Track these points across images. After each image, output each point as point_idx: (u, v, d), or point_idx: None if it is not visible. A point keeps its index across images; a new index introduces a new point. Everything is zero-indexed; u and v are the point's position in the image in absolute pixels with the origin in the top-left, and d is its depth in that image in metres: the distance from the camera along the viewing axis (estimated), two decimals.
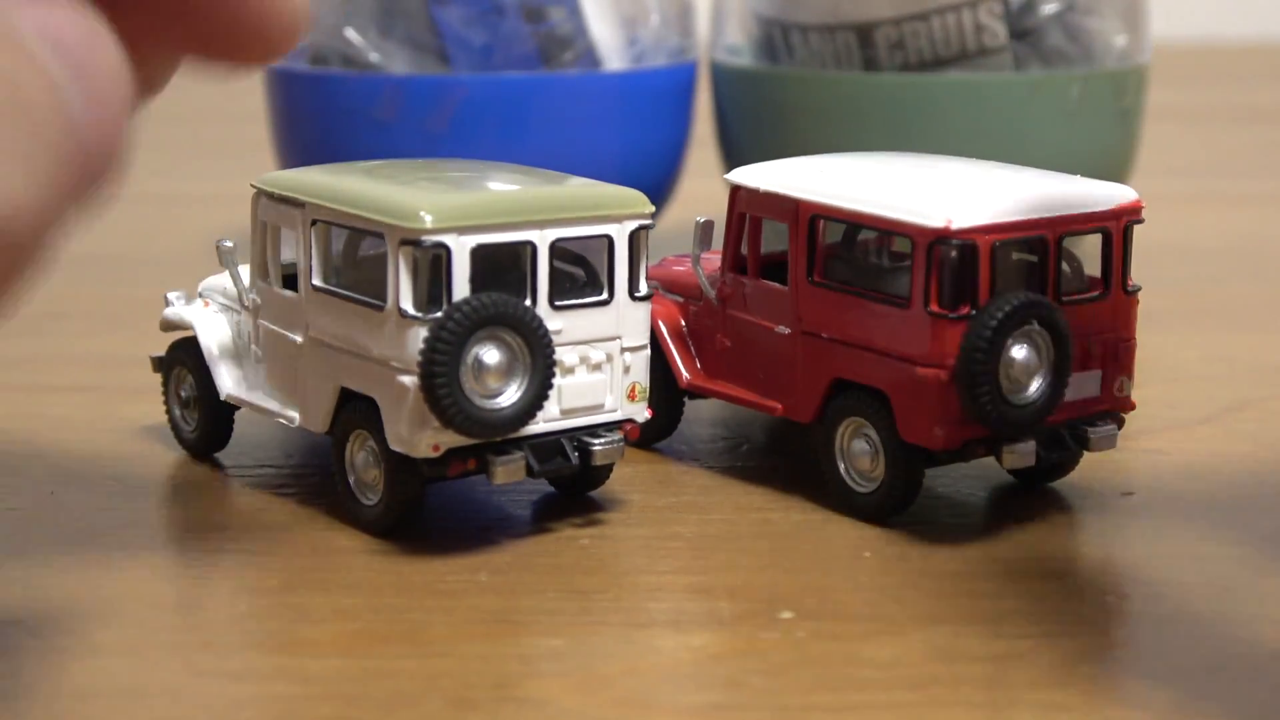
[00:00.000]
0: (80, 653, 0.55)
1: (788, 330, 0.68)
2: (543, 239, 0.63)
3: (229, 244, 0.68)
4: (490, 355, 0.61)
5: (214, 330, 0.71)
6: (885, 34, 1.00)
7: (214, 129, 1.69)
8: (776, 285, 0.69)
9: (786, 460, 0.73)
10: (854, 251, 0.71)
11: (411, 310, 0.61)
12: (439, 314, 0.60)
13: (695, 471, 0.72)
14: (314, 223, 0.64)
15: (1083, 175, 0.69)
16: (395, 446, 0.62)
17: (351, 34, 0.99)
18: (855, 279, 0.67)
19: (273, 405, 0.68)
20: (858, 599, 0.59)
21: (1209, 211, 1.30)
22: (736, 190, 0.71)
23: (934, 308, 0.62)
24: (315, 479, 0.71)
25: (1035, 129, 0.99)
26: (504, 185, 0.65)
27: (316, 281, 0.65)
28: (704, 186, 1.18)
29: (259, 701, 0.51)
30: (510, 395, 0.61)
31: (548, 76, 1.00)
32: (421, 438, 0.61)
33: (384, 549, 0.63)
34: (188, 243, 1.18)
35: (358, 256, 0.67)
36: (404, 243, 0.60)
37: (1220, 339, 0.93)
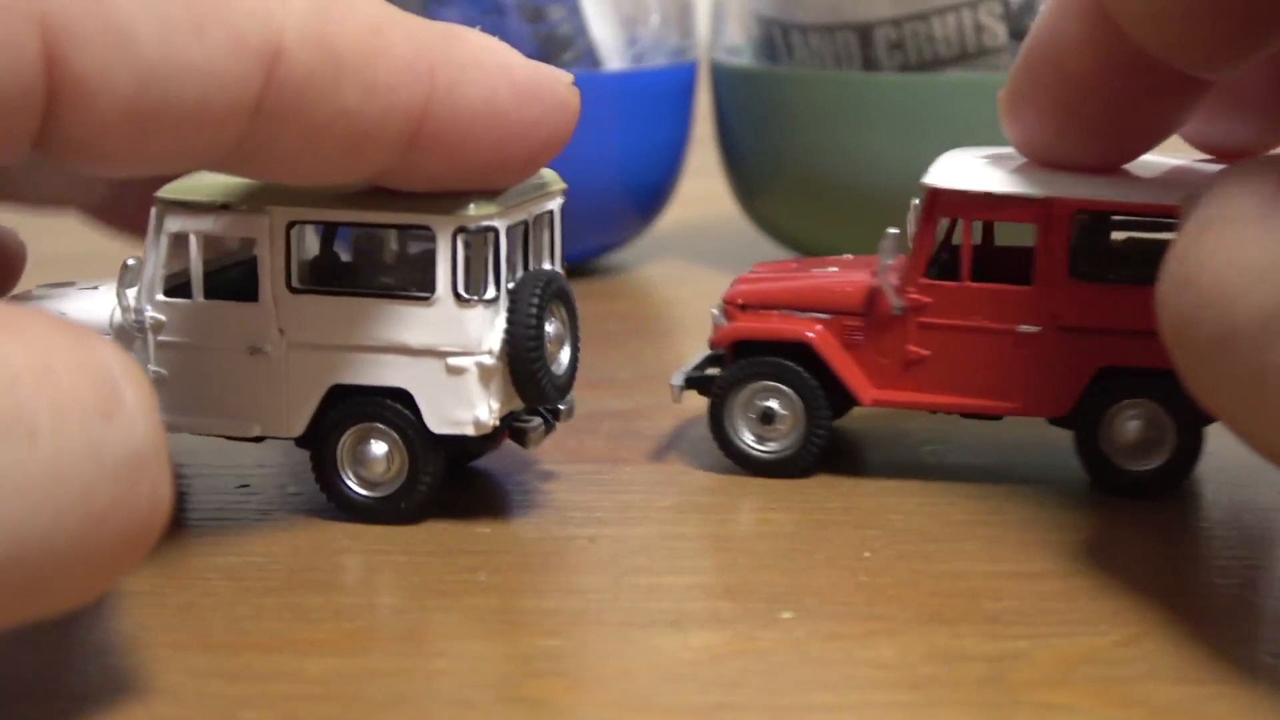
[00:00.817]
0: (80, 653, 0.55)
1: (1035, 328, 0.68)
2: (530, 215, 0.66)
3: (132, 262, 0.66)
4: (552, 326, 0.65)
5: None
6: (885, 34, 1.00)
7: None
8: (1007, 286, 0.69)
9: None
10: (1104, 242, 0.71)
11: (466, 295, 0.63)
12: (492, 296, 0.64)
13: (695, 471, 0.72)
14: (291, 225, 0.64)
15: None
16: (441, 429, 0.64)
17: None
18: (1116, 268, 0.68)
19: (203, 421, 0.67)
20: (858, 599, 0.59)
21: None
22: (938, 194, 0.69)
23: None
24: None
25: None
26: None
27: (296, 284, 0.65)
28: (704, 186, 1.18)
29: (259, 701, 0.51)
30: (563, 361, 0.67)
31: None
32: (481, 413, 0.64)
33: (384, 549, 0.63)
34: None
35: (330, 258, 0.68)
36: (461, 230, 0.63)
37: None
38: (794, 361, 0.71)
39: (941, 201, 0.69)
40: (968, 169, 0.69)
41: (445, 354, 0.64)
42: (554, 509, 0.68)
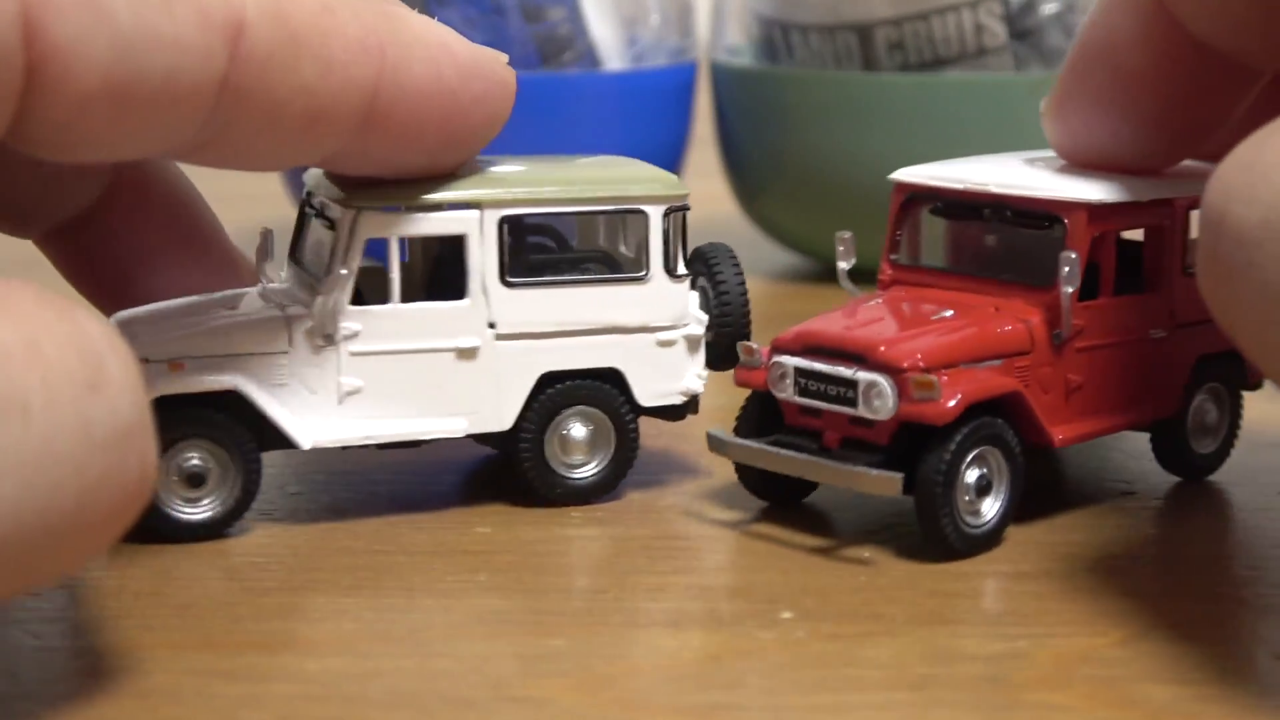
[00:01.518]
0: (80, 653, 0.55)
1: (1163, 332, 0.68)
2: None
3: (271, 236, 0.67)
4: None
5: (256, 380, 0.64)
6: (885, 34, 1.00)
7: None
8: (1139, 295, 0.67)
9: None
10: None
11: (677, 271, 0.68)
12: (686, 272, 0.69)
13: (695, 472, 0.72)
14: (504, 219, 0.66)
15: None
16: (651, 402, 0.69)
17: None
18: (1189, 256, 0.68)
19: (406, 428, 0.66)
20: (858, 599, 0.59)
21: None
22: (1093, 210, 0.64)
23: None
24: (318, 478, 0.71)
25: (1035, 129, 0.98)
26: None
27: (512, 278, 0.66)
28: (704, 186, 1.18)
29: (259, 701, 0.51)
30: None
31: (548, 76, 1.00)
32: (691, 382, 0.69)
33: (384, 549, 0.63)
34: None
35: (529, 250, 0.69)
36: (671, 210, 0.68)
37: None
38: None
39: (1095, 218, 0.65)
40: (1091, 181, 0.65)
41: (657, 329, 0.68)
42: (554, 509, 0.68)
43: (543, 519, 0.67)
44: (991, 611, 0.58)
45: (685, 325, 0.69)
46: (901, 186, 0.70)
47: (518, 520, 0.67)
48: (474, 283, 0.66)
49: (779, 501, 0.68)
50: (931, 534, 0.62)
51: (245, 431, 0.64)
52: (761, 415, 0.67)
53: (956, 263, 0.70)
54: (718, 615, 0.58)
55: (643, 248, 0.68)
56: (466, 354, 0.66)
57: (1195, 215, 0.66)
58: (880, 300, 0.68)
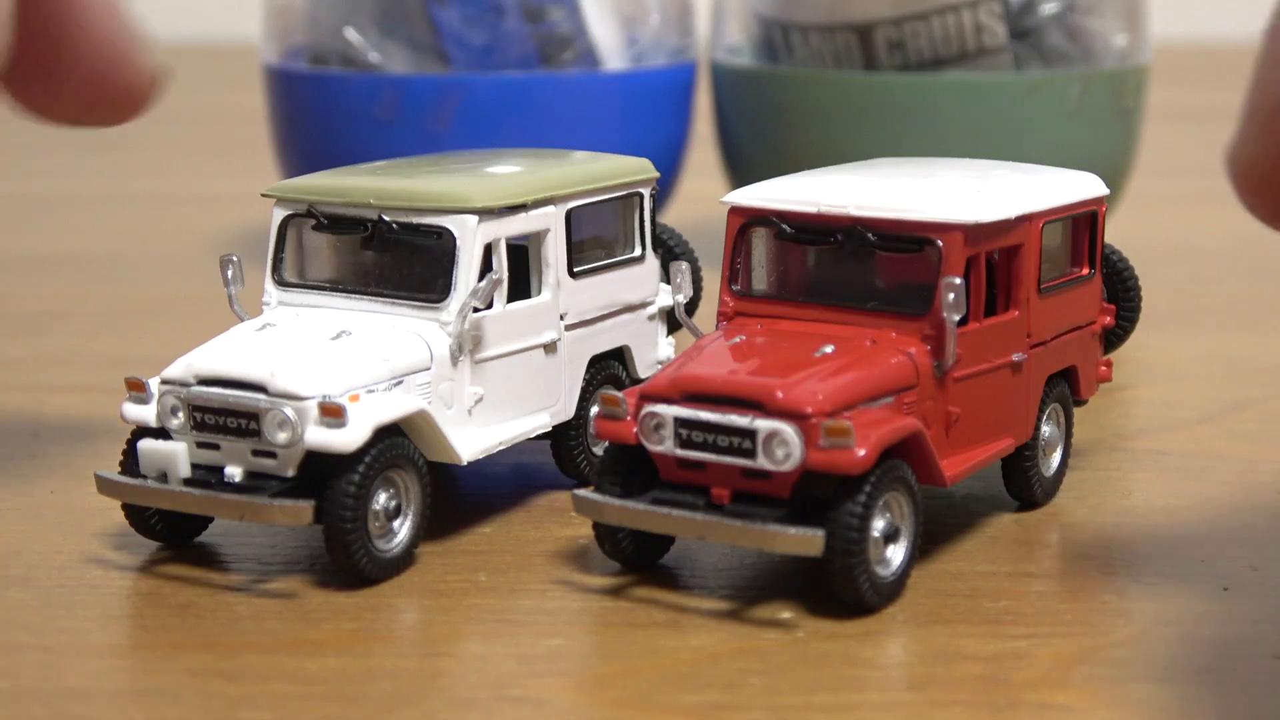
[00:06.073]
0: (80, 653, 0.55)
1: (1024, 355, 0.65)
2: None
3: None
4: None
5: (419, 406, 0.62)
6: (885, 34, 1.00)
7: (213, 129, 1.69)
8: (1003, 316, 0.64)
9: None
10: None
11: (654, 249, 0.72)
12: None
13: None
14: (570, 211, 0.68)
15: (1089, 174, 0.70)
16: (645, 374, 0.71)
17: (351, 34, 0.99)
18: (1050, 272, 0.67)
19: (518, 428, 0.66)
20: None
21: (1209, 211, 1.30)
22: (963, 232, 0.60)
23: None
24: None
25: (1035, 129, 0.99)
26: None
27: (577, 268, 0.68)
28: (704, 186, 1.18)
29: (259, 701, 0.51)
30: None
31: (547, 76, 1.00)
32: (665, 351, 0.73)
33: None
34: (187, 243, 1.18)
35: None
36: (653, 191, 0.71)
37: (1220, 339, 0.93)
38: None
39: (970, 240, 0.61)
40: (961, 200, 0.62)
41: (647, 304, 0.72)
42: (554, 509, 0.68)
43: (543, 519, 0.67)
44: (991, 611, 0.58)
45: (658, 297, 0.72)
46: (739, 210, 0.64)
47: (518, 520, 0.67)
48: (550, 277, 0.67)
49: (640, 565, 0.62)
50: (846, 588, 0.57)
51: (420, 453, 0.62)
52: (628, 471, 0.60)
53: (807, 290, 0.64)
54: (718, 615, 0.58)
55: (632, 228, 0.71)
56: (550, 348, 0.68)
57: (1048, 230, 0.65)
58: (743, 336, 0.62)
